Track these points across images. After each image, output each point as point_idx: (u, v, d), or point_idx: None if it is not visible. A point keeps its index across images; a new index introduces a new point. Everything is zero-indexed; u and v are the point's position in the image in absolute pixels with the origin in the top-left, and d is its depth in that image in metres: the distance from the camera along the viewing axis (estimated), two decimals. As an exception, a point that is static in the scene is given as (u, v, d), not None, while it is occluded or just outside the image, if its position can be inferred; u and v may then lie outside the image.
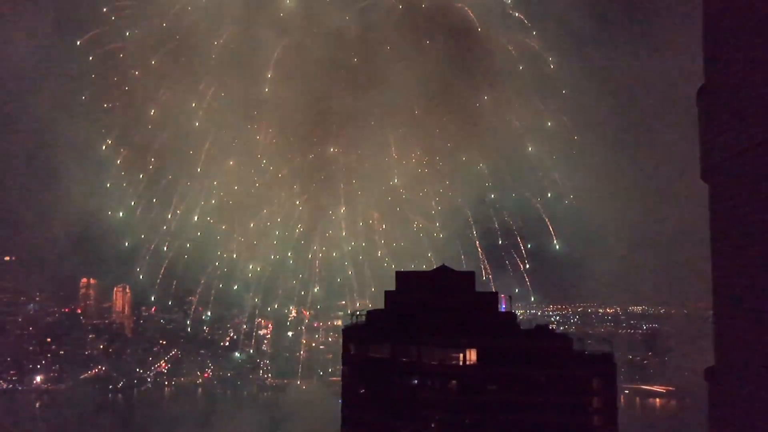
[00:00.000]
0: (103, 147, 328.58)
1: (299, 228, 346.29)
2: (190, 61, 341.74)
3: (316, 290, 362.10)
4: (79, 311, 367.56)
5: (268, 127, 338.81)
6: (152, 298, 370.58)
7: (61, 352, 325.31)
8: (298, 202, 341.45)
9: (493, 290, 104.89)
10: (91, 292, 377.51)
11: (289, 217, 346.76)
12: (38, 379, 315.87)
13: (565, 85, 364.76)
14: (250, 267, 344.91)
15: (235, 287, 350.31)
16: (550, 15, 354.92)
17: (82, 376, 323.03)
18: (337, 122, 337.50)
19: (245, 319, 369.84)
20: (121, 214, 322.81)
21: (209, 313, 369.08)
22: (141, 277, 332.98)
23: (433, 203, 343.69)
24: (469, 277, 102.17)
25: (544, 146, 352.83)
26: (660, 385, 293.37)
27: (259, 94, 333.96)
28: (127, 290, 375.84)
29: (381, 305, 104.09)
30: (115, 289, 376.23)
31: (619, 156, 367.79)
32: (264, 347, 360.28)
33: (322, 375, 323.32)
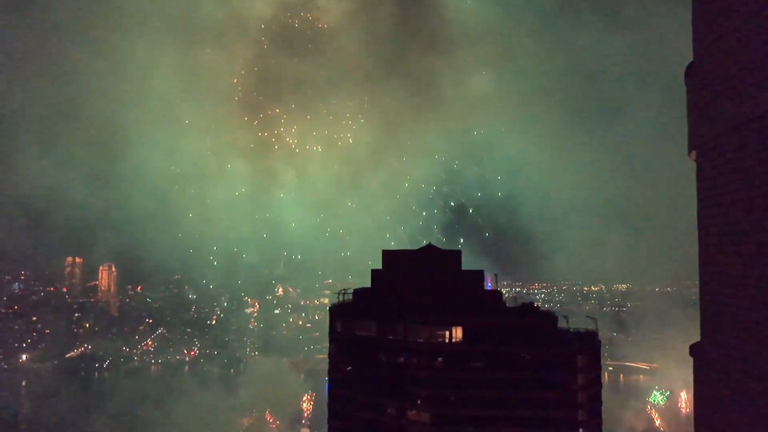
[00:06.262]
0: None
1: (256, 201, 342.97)
2: (127, 26, 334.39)
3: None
4: (64, 290, 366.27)
5: (214, 96, 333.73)
6: (138, 277, 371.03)
7: (47, 331, 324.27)
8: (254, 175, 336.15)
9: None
10: (77, 270, 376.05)
11: (243, 191, 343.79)
12: (24, 357, 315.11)
13: (528, 58, 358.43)
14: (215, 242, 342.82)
15: (216, 263, 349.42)
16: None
17: (68, 355, 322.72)
18: (284, 90, 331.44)
19: (231, 298, 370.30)
20: (76, 191, 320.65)
21: (194, 296, 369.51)
22: (103, 253, 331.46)
23: (389, 177, 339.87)
24: (456, 255, 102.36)
25: (506, 119, 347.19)
26: (644, 362, 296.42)
27: (202, 62, 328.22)
28: (113, 269, 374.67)
29: (367, 283, 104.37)
30: (100, 267, 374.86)
31: (596, 132, 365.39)
32: (251, 325, 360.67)
33: (308, 353, 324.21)
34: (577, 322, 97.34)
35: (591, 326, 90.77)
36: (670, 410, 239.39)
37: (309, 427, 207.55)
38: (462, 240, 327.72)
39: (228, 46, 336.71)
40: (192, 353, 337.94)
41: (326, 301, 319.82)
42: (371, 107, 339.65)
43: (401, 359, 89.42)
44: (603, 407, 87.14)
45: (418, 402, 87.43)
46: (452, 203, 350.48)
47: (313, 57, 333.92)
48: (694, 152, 18.24)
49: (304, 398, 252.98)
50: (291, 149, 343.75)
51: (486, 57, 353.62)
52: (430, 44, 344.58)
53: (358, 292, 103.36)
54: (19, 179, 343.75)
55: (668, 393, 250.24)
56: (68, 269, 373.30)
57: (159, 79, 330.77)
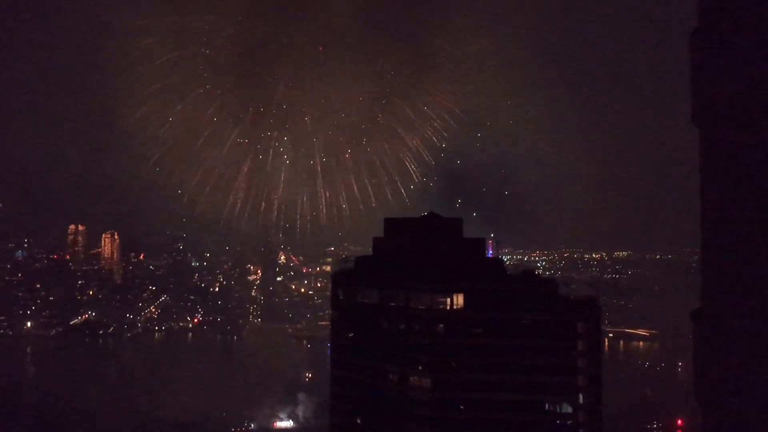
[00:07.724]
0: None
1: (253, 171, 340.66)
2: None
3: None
4: (68, 257, 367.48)
5: (204, 60, 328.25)
6: (140, 245, 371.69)
7: (51, 298, 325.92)
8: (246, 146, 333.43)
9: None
10: (80, 238, 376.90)
11: (241, 158, 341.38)
12: (29, 324, 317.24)
13: (528, 21, 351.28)
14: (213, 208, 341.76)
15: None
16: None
17: (72, 322, 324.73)
18: (275, 57, 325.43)
19: (233, 265, 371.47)
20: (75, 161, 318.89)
21: (197, 263, 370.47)
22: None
23: (386, 143, 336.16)
24: (457, 223, 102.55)
25: (505, 84, 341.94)
26: (644, 329, 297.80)
27: (193, 29, 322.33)
28: (116, 237, 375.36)
29: (369, 251, 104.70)
30: (103, 235, 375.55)
31: (598, 97, 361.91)
32: (253, 293, 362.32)
33: (310, 320, 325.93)
34: (578, 289, 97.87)
35: (591, 293, 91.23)
36: (669, 376, 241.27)
37: (309, 393, 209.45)
38: (462, 208, 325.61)
39: (217, 7, 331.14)
40: (195, 320, 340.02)
41: (328, 268, 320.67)
42: (366, 72, 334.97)
43: (403, 326, 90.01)
44: (602, 373, 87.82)
45: (420, 368, 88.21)
46: (452, 170, 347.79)
47: (306, 18, 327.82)
48: (696, 118, 18.13)
49: (306, 365, 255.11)
50: (285, 115, 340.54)
51: (485, 20, 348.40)
52: (427, 6, 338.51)
53: (360, 260, 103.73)
54: (20, 147, 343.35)
55: (662, 364, 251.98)
56: (71, 237, 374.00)
57: (151, 44, 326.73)
